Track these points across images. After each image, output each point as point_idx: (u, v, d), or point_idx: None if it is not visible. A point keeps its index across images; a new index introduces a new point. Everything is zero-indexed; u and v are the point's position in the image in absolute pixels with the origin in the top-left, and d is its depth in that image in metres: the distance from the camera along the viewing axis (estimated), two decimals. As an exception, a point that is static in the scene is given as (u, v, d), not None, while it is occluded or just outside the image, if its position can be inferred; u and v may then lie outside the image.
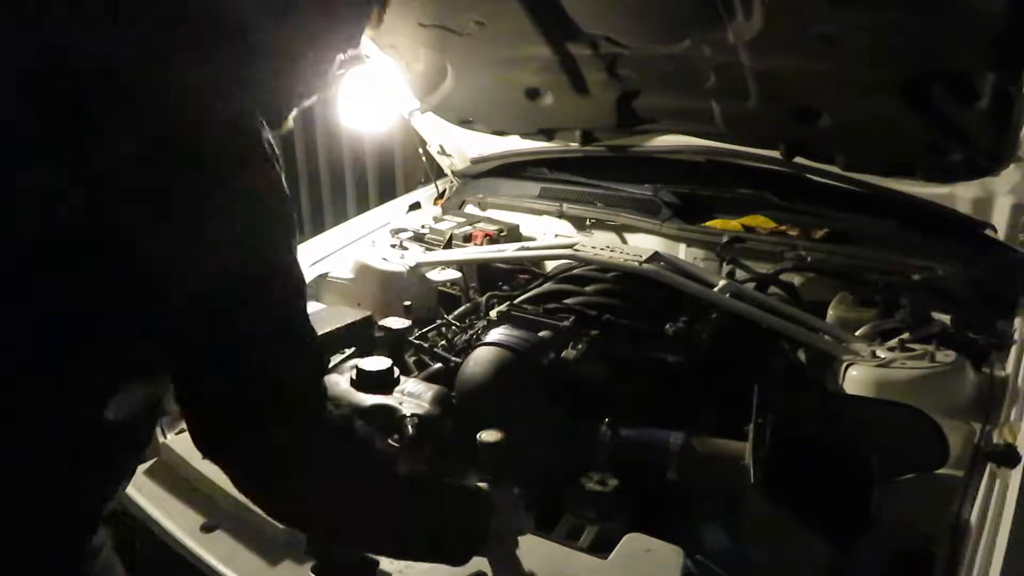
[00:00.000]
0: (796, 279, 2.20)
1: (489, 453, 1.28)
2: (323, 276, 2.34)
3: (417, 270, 2.27)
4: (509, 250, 2.33)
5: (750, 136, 2.28)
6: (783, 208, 2.37)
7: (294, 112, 1.11)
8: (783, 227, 2.37)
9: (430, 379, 1.72)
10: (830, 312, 2.00)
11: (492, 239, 2.50)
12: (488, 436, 1.28)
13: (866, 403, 1.60)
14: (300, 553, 1.31)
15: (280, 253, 0.98)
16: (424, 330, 2.01)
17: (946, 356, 1.68)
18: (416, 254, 2.38)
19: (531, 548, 1.29)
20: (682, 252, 2.42)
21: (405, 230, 2.55)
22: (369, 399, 1.60)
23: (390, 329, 1.90)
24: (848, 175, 2.18)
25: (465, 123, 2.75)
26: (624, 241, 2.52)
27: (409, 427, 1.48)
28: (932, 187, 2.10)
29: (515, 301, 2.01)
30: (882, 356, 1.72)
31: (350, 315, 2.01)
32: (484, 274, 2.39)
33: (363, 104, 2.71)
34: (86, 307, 0.91)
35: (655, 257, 2.07)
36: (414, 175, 3.68)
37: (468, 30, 2.20)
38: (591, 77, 2.28)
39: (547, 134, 2.63)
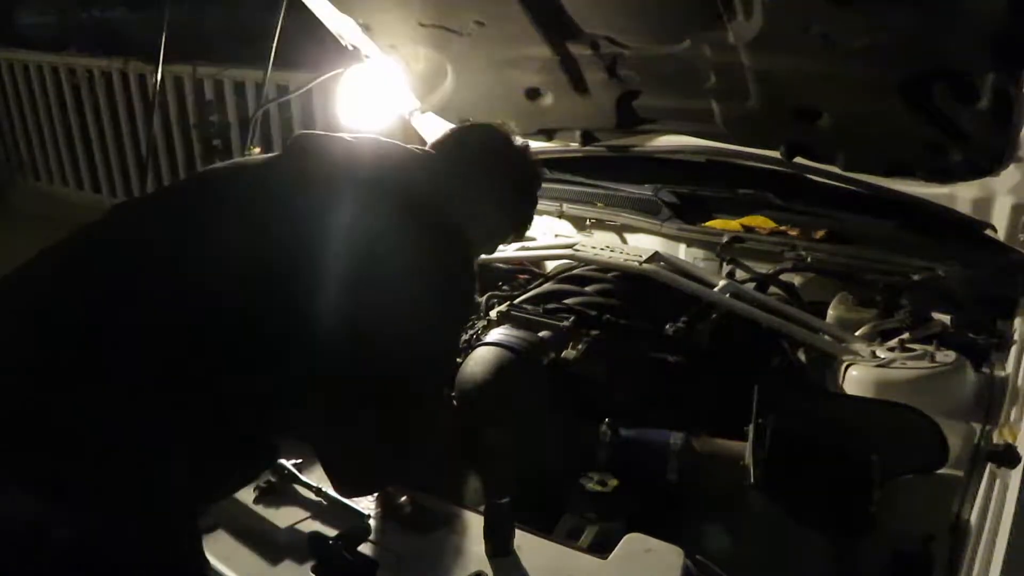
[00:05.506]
0: (796, 279, 2.19)
1: (494, 453, 1.28)
2: (323, 276, 2.33)
3: (417, 270, 2.26)
4: (509, 250, 2.33)
5: (750, 136, 2.28)
6: (783, 208, 2.36)
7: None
8: (783, 227, 2.37)
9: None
10: (830, 312, 2.00)
11: (492, 239, 2.50)
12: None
13: (866, 403, 1.60)
14: (300, 553, 1.31)
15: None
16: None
17: (946, 356, 1.68)
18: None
19: (531, 548, 1.29)
20: (682, 252, 2.41)
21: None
22: (369, 399, 1.60)
23: (390, 329, 1.90)
24: (848, 175, 2.18)
25: (465, 123, 2.74)
26: (624, 241, 2.52)
27: (409, 427, 1.48)
28: (932, 187, 2.09)
29: (515, 301, 2.01)
30: (882, 356, 1.72)
31: (350, 315, 2.01)
32: (484, 274, 2.38)
33: (363, 104, 2.71)
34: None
35: (655, 257, 2.07)
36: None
37: (468, 30, 2.20)
38: (591, 77, 2.28)
39: (547, 134, 2.63)
